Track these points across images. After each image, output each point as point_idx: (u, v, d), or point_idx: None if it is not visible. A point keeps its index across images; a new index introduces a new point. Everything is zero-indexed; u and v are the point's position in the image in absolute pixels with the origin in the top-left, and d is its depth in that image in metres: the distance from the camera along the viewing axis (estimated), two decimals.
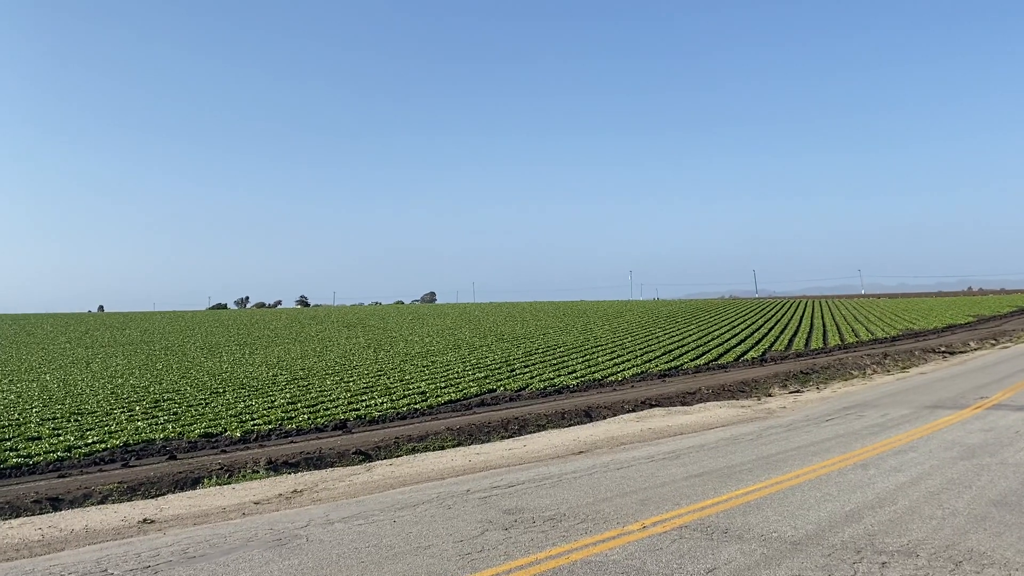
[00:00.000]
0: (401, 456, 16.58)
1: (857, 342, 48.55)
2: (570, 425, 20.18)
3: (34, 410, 25.68)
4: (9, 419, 23.97)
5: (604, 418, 21.11)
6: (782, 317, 71.07)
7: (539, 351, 42.70)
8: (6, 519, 12.21)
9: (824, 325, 61.78)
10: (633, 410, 22.30)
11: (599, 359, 38.86)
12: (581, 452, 15.17)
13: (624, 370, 34.16)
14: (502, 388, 29.21)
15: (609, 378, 31.87)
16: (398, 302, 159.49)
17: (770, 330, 57.44)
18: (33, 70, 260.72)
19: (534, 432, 19.17)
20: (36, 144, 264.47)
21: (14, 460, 18.35)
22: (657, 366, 35.94)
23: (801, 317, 70.63)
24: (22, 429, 22.22)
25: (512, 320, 71.31)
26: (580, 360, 38.42)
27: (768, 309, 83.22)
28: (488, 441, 18.20)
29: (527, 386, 29.56)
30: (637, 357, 39.45)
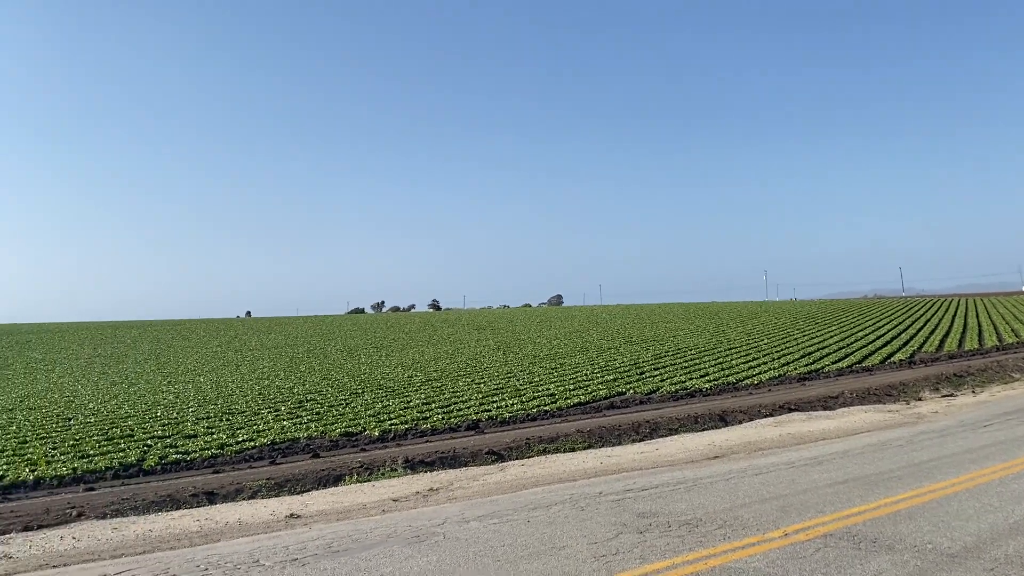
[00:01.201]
0: (532, 457, 16.67)
1: (1018, 343, 45.04)
2: (703, 429, 19.71)
3: (190, 410, 27.46)
4: (168, 418, 25.75)
5: (740, 423, 20.50)
6: (932, 316, 66.91)
7: (669, 354, 42.00)
8: (168, 511, 13.10)
9: (980, 325, 57.71)
10: (771, 414, 21.54)
11: (733, 362, 37.80)
12: (716, 457, 14.78)
13: (760, 373, 33.08)
14: (632, 391, 28.91)
15: (744, 382, 30.94)
16: (525, 305, 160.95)
17: (919, 331, 54.19)
18: (210, 75, 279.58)
19: (666, 436, 18.84)
20: (199, 151, 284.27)
21: (173, 456, 19.69)
22: (796, 369, 34.60)
23: (953, 316, 66.27)
24: (179, 427, 23.82)
25: (641, 322, 70.51)
26: (712, 363, 37.50)
27: (916, 308, 78.55)
28: (619, 444, 18.03)
29: (657, 389, 29.12)
30: (773, 360, 38.12)
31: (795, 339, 49.07)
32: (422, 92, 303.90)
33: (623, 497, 10.75)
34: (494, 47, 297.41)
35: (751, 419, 20.88)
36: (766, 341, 48.10)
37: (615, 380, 31.69)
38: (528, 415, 24.34)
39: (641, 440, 18.44)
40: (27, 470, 18.42)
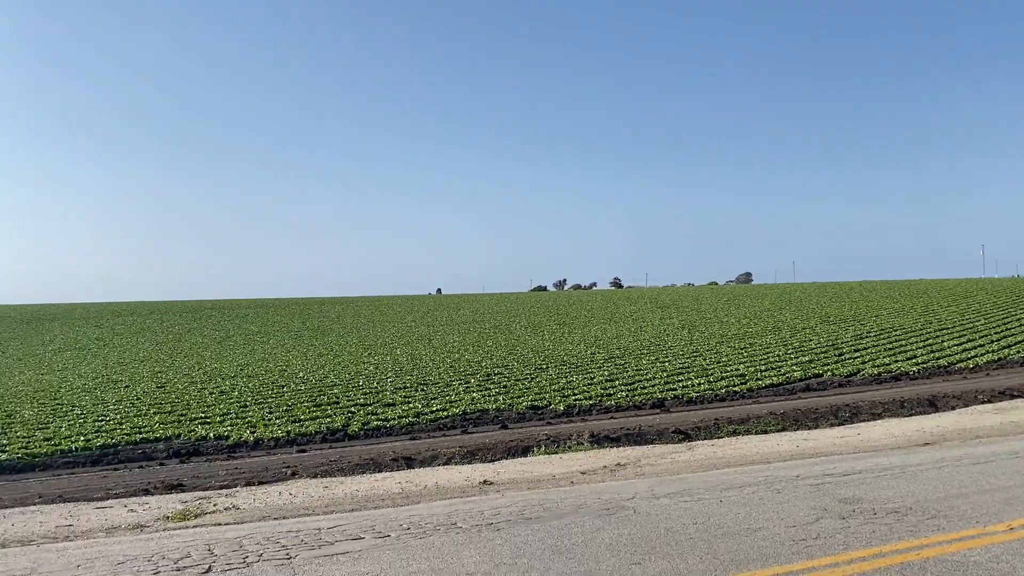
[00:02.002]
0: (722, 437, 16.24)
1: None
2: (911, 414, 18.36)
3: (388, 380, 29.07)
4: (369, 387, 27.41)
5: (952, 408, 18.92)
6: None
7: (871, 334, 39.43)
8: (371, 473, 13.96)
9: None
10: (989, 400, 19.71)
11: (944, 343, 34.90)
12: (927, 444, 13.73)
13: (976, 356, 30.34)
14: (829, 373, 27.43)
15: (957, 365, 28.52)
16: (712, 283, 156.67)
17: None
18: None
19: (868, 420, 17.73)
20: (387, 141, 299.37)
21: (374, 423, 20.96)
22: (1019, 352, 31.41)
23: None
24: (379, 396, 25.29)
25: (839, 301, 66.64)
26: (920, 344, 34.81)
27: None
28: (816, 427, 17.17)
29: (858, 371, 27.44)
30: (992, 342, 34.80)
31: (1018, 319, 44.52)
32: (611, 73, 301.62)
33: (822, 482, 10.22)
34: (684, 23, 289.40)
35: (966, 405, 19.21)
36: (983, 321, 44.00)
37: (810, 361, 30.20)
38: (716, 395, 23.75)
39: (840, 424, 17.48)
40: (248, 432, 20.28)
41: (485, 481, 11.72)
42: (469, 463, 14.62)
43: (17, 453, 18.61)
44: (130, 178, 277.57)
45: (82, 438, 20.11)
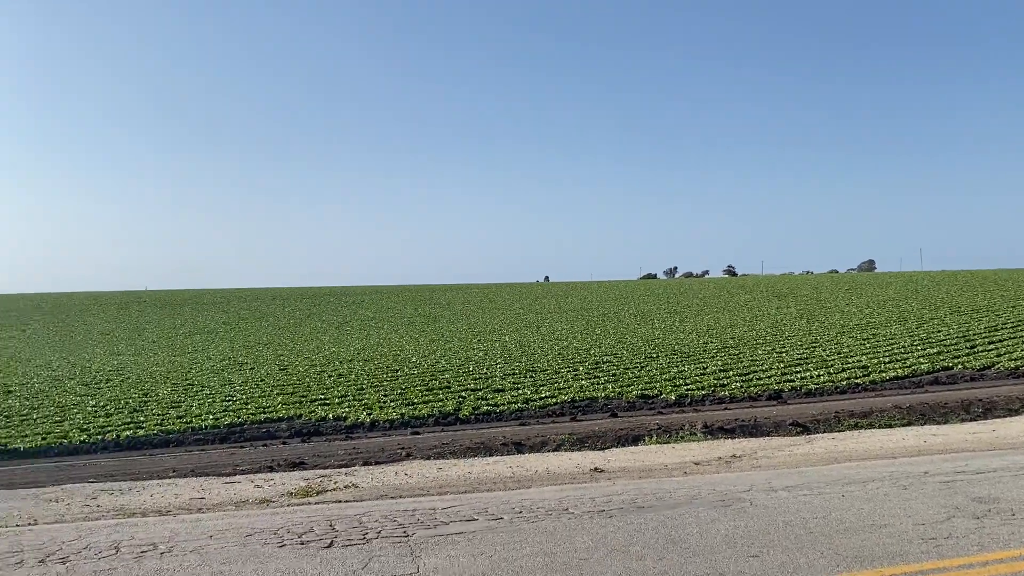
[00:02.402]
0: (843, 431, 15.63)
1: None
2: None
3: (497, 366, 29.38)
4: (479, 373, 27.78)
5: None
6: None
7: (1006, 326, 37.01)
8: (482, 457, 14.17)
9: None
10: None
11: None
12: None
13: None
14: (959, 366, 25.93)
15: None
16: (832, 271, 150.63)
17: None
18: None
19: (1005, 416, 16.68)
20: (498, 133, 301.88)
21: (485, 408, 21.24)
22: None
23: None
24: (489, 382, 25.60)
25: (970, 290, 62.87)
26: None
27: None
28: (945, 423, 16.29)
29: (992, 365, 25.82)
30: None
31: None
32: (737, 68, 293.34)
33: (954, 479, 9.68)
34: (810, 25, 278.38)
35: None
36: None
37: (939, 353, 28.63)
38: (836, 387, 22.87)
39: (973, 420, 16.51)
40: (364, 413, 20.94)
41: (596, 468, 11.69)
42: (579, 450, 14.62)
43: (153, 430, 19.84)
44: (255, 173, 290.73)
45: (211, 417, 21.24)
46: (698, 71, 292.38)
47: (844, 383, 23.28)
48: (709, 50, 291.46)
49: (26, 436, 19.36)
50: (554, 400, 22.09)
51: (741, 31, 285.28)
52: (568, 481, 10.81)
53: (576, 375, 26.46)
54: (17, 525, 9.04)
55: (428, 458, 14.26)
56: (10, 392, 26.44)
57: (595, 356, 31.43)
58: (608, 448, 14.67)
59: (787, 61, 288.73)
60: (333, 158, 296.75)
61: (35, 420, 21.42)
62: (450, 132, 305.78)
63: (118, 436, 19.11)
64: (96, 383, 28.49)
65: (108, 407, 23.09)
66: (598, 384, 24.33)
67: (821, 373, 24.88)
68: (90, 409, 22.82)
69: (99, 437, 19.07)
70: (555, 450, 14.86)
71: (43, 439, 18.95)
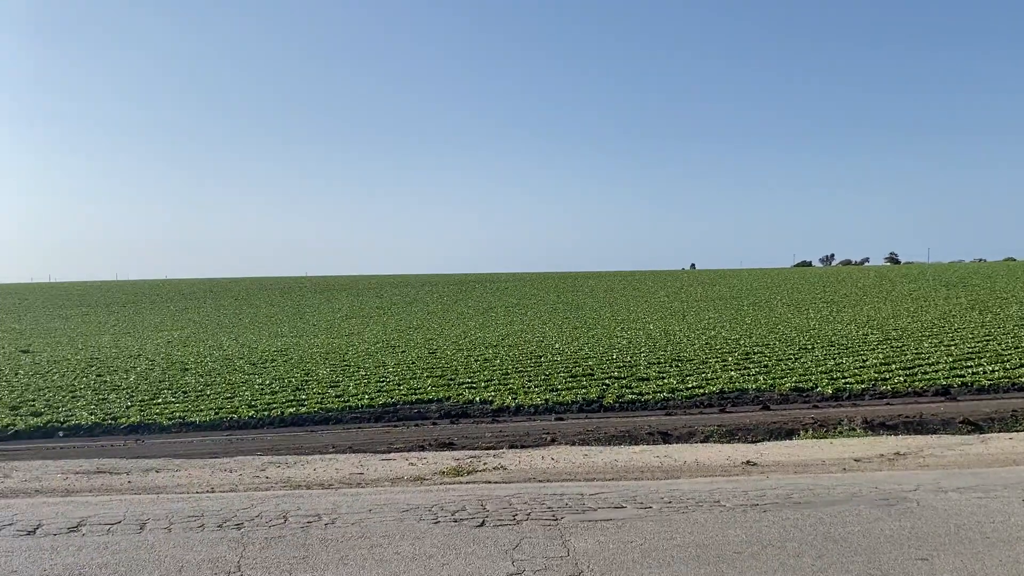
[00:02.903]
0: (1021, 431, 14.43)
1: None
2: None
3: (642, 355, 29.06)
4: (623, 361, 27.58)
5: None
6: None
7: None
8: (628, 445, 14.07)
9: None
10: None
11: None
12: None
13: None
14: None
15: None
16: (1008, 259, 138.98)
17: None
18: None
19: None
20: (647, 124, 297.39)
21: (629, 396, 21.07)
22: None
23: None
24: (633, 371, 25.36)
25: None
26: None
27: None
28: None
29: None
30: None
31: None
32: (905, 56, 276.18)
33: None
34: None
35: None
36: None
37: None
38: (1014, 384, 21.13)
39: None
40: (510, 397, 21.27)
41: (748, 461, 11.35)
42: (728, 442, 14.25)
43: (314, 407, 20.96)
44: (408, 166, 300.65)
45: (366, 396, 22.20)
46: (852, 52, 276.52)
47: (1023, 379, 21.49)
48: (858, 33, 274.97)
49: (201, 411, 20.92)
50: (701, 391, 21.62)
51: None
52: (719, 473, 10.56)
53: (725, 365, 25.78)
54: (197, 492, 9.81)
55: (573, 444, 14.32)
56: (187, 370, 28.65)
57: (745, 346, 30.49)
58: (760, 441, 14.22)
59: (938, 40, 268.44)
60: (481, 152, 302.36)
61: (208, 396, 23.11)
62: (600, 123, 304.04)
63: (282, 413, 20.32)
64: (262, 363, 30.42)
65: (273, 385, 24.60)
66: (748, 375, 23.60)
67: (996, 368, 23.06)
68: (257, 387, 24.39)
69: (265, 413, 20.35)
70: (703, 441, 14.56)
71: (216, 414, 20.41)
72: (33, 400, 22.34)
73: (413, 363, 29.00)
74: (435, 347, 34.40)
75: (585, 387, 22.60)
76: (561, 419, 18.98)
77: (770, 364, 25.71)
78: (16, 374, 27.84)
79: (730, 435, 15.00)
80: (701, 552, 6.76)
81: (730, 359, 27.10)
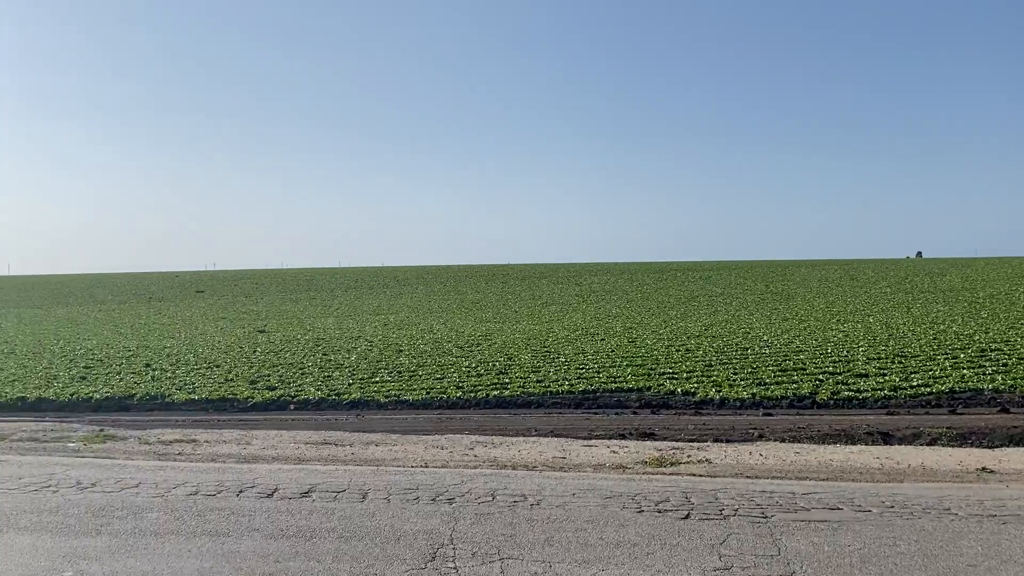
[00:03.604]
0: None
1: None
2: None
3: (860, 349, 27.21)
4: (838, 356, 25.98)
5: None
6: None
7: None
8: (843, 444, 13.25)
9: None
10: None
11: None
12: None
13: None
14: None
15: None
16: None
17: None
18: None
19: None
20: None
21: (845, 393, 19.80)
22: None
23: None
24: (850, 366, 23.81)
25: None
26: None
27: None
28: None
29: None
30: None
31: None
32: None
33: None
34: None
35: None
36: None
37: None
38: None
39: None
40: (713, 390, 20.68)
41: (983, 468, 10.33)
42: (960, 446, 13.03)
43: (517, 391, 21.51)
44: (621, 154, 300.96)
45: (567, 383, 22.46)
46: None
47: None
48: None
49: (414, 390, 22.09)
50: (928, 389, 19.90)
51: None
52: (949, 479, 9.68)
53: (956, 363, 23.58)
54: (412, 466, 10.39)
55: (782, 440, 13.70)
56: (401, 351, 30.39)
57: (980, 343, 27.73)
58: (998, 447, 12.87)
59: None
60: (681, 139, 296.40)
61: (420, 376, 24.37)
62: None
63: (487, 395, 21.03)
64: (468, 346, 31.65)
65: (479, 368, 25.52)
66: (983, 374, 21.43)
67: None
68: (464, 369, 25.41)
69: (472, 395, 21.14)
70: (930, 444, 13.41)
71: (427, 393, 21.48)
72: (268, 375, 24.60)
73: (612, 351, 28.97)
74: (635, 336, 34.17)
75: (796, 382, 21.51)
76: (769, 414, 18.20)
77: (1010, 363, 23.19)
78: (254, 351, 30.77)
79: (961, 438, 13.70)
80: (928, 562, 6.25)
81: (962, 356, 24.74)
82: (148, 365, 25.39)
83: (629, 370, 24.33)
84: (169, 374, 23.38)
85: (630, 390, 21.49)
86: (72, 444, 12.55)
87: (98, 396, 20.06)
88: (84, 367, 25.03)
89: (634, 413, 18.91)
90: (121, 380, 22.22)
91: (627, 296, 63.46)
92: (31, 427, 14.97)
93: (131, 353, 28.55)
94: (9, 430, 14.19)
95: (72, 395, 20.21)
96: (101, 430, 14.23)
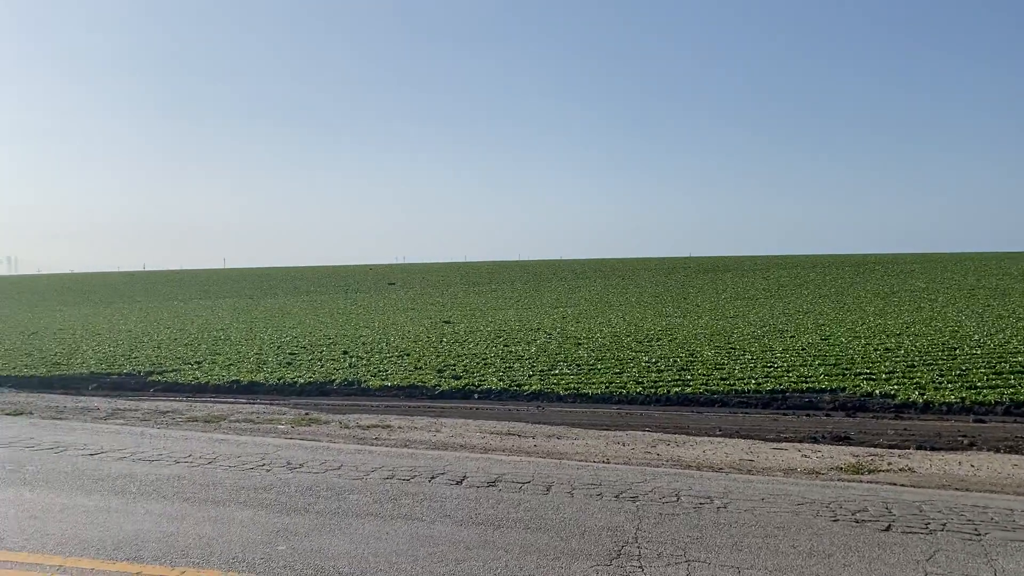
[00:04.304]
0: None
1: None
2: None
3: None
4: None
5: None
6: None
7: None
8: None
9: None
10: None
11: None
12: None
13: None
14: None
15: None
16: None
17: None
18: None
19: None
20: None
21: None
22: None
23: None
24: None
25: None
26: None
27: None
28: None
29: None
30: None
31: None
32: None
33: None
34: None
35: None
36: None
37: None
38: None
39: None
40: (916, 392, 19.23)
41: None
42: None
43: (699, 388, 21.02)
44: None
45: (753, 381, 21.69)
46: None
47: None
48: None
49: (592, 383, 22.15)
50: None
51: None
52: None
53: None
54: (594, 461, 10.44)
55: (997, 451, 12.52)
56: (579, 344, 30.56)
57: None
58: None
59: None
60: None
61: (599, 370, 24.39)
62: None
63: (668, 391, 20.71)
64: (648, 341, 31.31)
65: (659, 364, 25.19)
66: None
67: None
68: (644, 364, 25.16)
69: (652, 391, 20.90)
70: None
71: (606, 387, 21.47)
72: (453, 365, 25.54)
73: (803, 349, 27.64)
74: (827, 333, 32.42)
75: (1013, 386, 19.61)
76: (981, 421, 16.69)
77: None
78: (440, 341, 32.04)
79: None
80: None
81: None
82: (345, 352, 27.10)
83: (822, 369, 23.16)
84: (364, 361, 24.85)
85: (822, 390, 20.45)
86: (282, 426, 13.63)
87: (302, 381, 21.66)
88: (289, 353, 27.11)
89: (827, 415, 17.97)
90: (322, 367, 23.87)
91: (819, 291, 60.33)
92: (245, 409, 16.42)
93: (330, 341, 30.59)
94: (227, 411, 15.64)
95: (279, 379, 21.96)
96: (306, 413, 15.36)
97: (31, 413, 14.72)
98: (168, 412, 15.00)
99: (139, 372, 23.78)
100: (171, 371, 23.66)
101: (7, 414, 14.54)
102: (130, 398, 18.74)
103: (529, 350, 28.79)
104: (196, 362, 25.45)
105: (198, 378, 22.40)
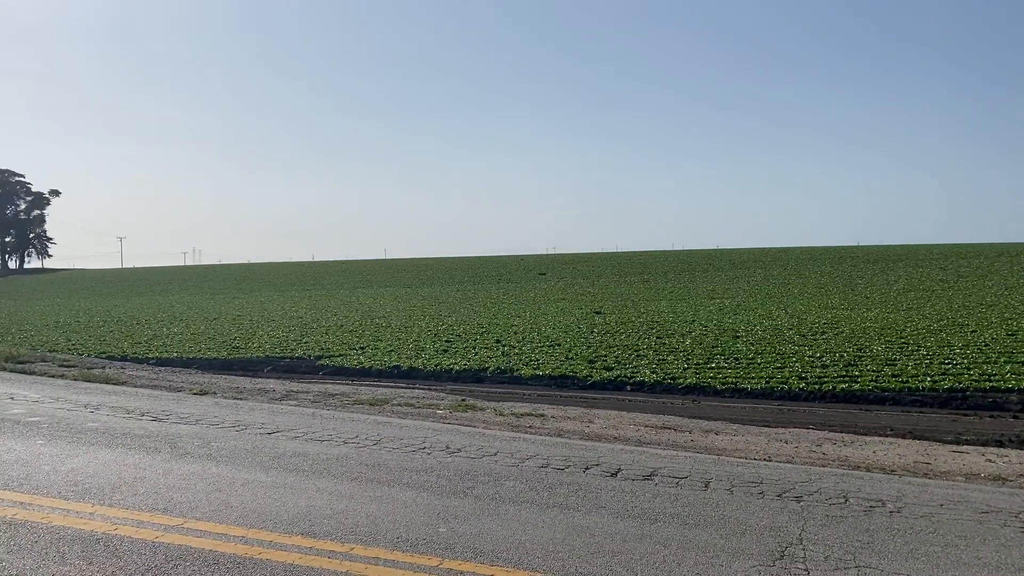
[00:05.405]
0: None
1: None
2: None
3: None
4: None
5: None
6: None
7: None
8: None
9: None
10: None
11: None
12: None
13: None
14: None
15: None
16: None
17: None
18: None
19: None
20: None
21: None
22: None
23: None
24: None
25: None
26: None
27: None
28: None
29: None
30: None
31: None
32: None
33: None
34: None
35: None
36: None
37: None
38: None
39: None
40: None
41: None
42: None
43: (868, 385, 19.88)
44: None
45: (928, 379, 20.28)
46: None
47: None
48: None
49: (752, 378, 21.42)
50: None
51: None
52: None
53: None
54: (755, 458, 10.08)
55: None
56: (738, 337, 29.63)
57: None
58: None
59: None
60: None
61: (759, 364, 23.55)
62: None
63: (833, 388, 19.72)
64: (812, 334, 29.93)
65: (824, 358, 24.02)
66: None
67: None
68: (807, 359, 24.07)
69: (816, 387, 19.97)
70: None
71: (766, 383, 20.70)
72: (605, 356, 25.43)
73: (986, 345, 25.55)
74: (1016, 328, 29.81)
75: None
76: None
77: None
78: (591, 332, 32.00)
79: None
80: None
81: None
82: (498, 341, 27.61)
83: (1008, 367, 21.36)
84: (516, 350, 25.20)
85: (1009, 390, 18.89)
86: (440, 411, 14.07)
87: (457, 368, 22.26)
88: (445, 341, 27.93)
89: (1015, 417, 16.56)
90: (476, 354, 24.42)
91: (1006, 281, 55.58)
92: (406, 393, 17.06)
93: (484, 329, 31.27)
94: (390, 395, 16.31)
95: (436, 366, 22.67)
96: (463, 400, 15.77)
97: (214, 393, 15.95)
98: (336, 395, 15.82)
99: (309, 356, 25.25)
100: (338, 356, 24.97)
101: (194, 394, 15.83)
102: (301, 380, 19.94)
103: (684, 342, 28.23)
104: (360, 348, 26.71)
105: (362, 363, 23.51)
